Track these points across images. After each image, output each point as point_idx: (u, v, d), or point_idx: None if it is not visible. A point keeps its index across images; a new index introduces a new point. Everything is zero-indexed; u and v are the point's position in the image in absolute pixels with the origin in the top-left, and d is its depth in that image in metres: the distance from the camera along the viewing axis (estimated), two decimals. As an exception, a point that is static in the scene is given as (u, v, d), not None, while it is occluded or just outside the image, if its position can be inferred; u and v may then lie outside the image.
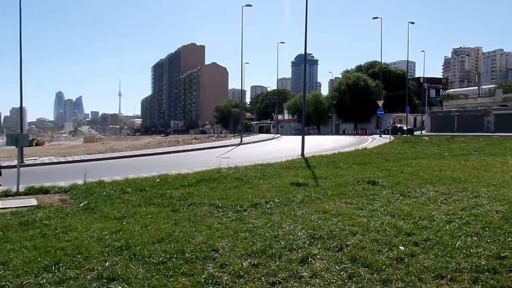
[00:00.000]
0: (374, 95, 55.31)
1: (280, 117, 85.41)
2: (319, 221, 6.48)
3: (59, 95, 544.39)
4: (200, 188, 10.37)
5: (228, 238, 5.70)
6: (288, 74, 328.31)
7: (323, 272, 4.44)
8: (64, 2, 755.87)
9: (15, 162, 15.34)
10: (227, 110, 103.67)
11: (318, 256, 4.91)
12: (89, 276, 4.48)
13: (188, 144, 39.82)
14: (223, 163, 15.27)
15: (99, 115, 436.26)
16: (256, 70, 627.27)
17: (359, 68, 74.70)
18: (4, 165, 15.17)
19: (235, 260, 4.83)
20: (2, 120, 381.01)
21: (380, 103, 38.33)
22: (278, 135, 58.21)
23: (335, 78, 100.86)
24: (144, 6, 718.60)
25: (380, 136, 40.44)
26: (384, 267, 4.52)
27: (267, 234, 5.81)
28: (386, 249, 5.09)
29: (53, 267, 4.72)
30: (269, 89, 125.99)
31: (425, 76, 75.96)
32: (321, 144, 31.53)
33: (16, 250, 5.42)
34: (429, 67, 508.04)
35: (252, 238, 5.69)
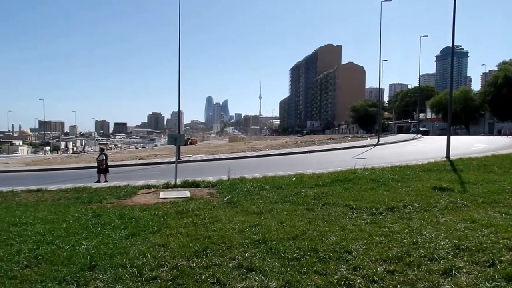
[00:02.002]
0: (543, 88, 46.83)
1: (421, 116, 79.00)
2: (465, 231, 5.88)
3: (209, 100, 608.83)
4: (335, 188, 10.39)
5: (362, 241, 5.60)
6: (432, 70, 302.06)
7: (469, 288, 4.04)
8: (219, 16, 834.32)
9: (174, 159, 17.76)
10: (364, 109, 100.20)
11: (464, 270, 4.47)
12: (231, 265, 4.93)
13: (323, 144, 39.94)
14: (359, 163, 14.94)
15: (242, 116, 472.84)
16: (395, 67, 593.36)
17: (521, 58, 64.19)
18: (165, 161, 17.62)
19: (369, 264, 4.73)
20: (165, 122, 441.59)
21: (551, 97, 32.35)
22: (419, 135, 53.97)
23: (489, 71, 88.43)
24: (282, 12, 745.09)
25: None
26: (549, 290, 3.89)
27: (404, 240, 5.53)
28: (553, 270, 4.34)
29: (202, 253, 5.36)
30: (409, 87, 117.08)
31: None
32: (470, 145, 28.26)
33: (173, 235, 6.33)
34: None
35: (387, 243, 5.48)
